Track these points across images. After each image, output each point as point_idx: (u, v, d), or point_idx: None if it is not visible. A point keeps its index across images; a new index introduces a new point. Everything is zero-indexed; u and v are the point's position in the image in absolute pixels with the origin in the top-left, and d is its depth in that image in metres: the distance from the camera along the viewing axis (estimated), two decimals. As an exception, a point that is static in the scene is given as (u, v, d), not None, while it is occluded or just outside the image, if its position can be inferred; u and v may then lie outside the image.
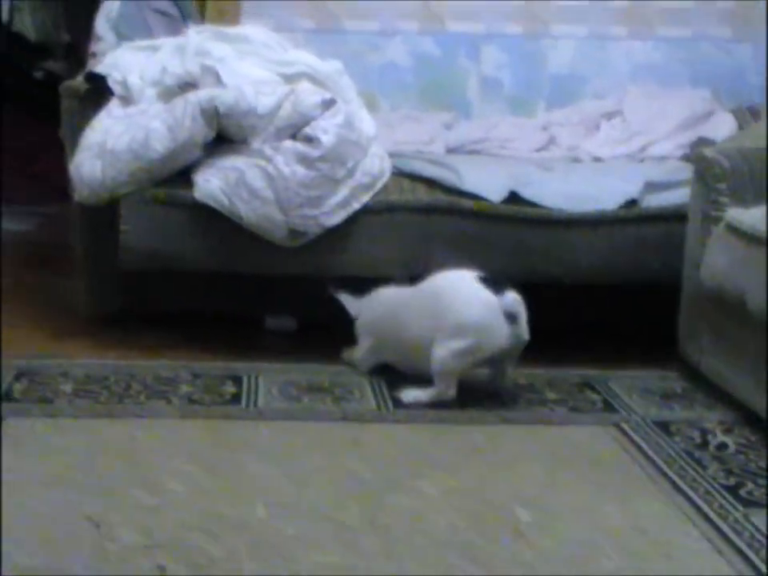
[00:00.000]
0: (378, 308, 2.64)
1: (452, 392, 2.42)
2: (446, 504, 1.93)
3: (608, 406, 2.53)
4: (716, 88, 3.83)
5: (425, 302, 2.49)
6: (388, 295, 2.63)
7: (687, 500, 2.00)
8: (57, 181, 5.09)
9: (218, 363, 2.71)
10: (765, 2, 3.90)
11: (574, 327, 2.94)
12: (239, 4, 3.92)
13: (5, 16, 6.05)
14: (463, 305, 2.40)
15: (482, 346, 2.39)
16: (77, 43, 6.88)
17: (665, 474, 2.12)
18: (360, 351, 2.67)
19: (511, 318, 2.37)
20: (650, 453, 2.23)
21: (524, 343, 2.43)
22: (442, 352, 2.40)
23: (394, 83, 3.99)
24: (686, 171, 2.88)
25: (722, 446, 2.29)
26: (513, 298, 2.38)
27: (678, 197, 2.82)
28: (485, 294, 2.39)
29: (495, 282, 2.41)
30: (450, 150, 3.41)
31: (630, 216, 2.80)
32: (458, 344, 2.39)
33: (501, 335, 2.38)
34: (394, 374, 2.64)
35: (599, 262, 2.79)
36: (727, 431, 2.37)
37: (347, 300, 2.72)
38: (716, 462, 2.20)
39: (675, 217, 2.78)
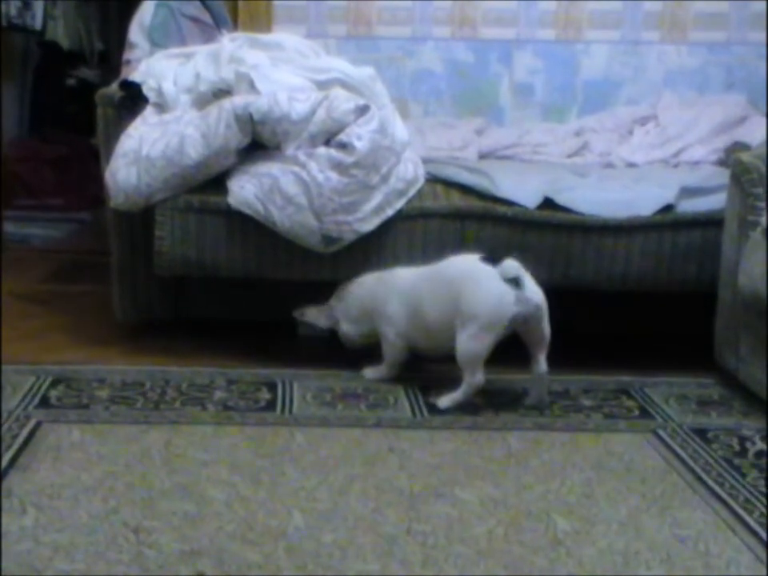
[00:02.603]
0: (396, 290, 2.64)
1: (480, 377, 2.43)
2: (484, 512, 1.91)
3: (644, 413, 2.51)
4: (751, 92, 3.81)
5: (437, 287, 2.52)
6: (405, 276, 2.65)
7: (727, 508, 1.97)
8: (89, 188, 5.15)
9: (252, 369, 2.71)
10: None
11: (609, 333, 2.92)
12: (271, 11, 3.94)
13: (38, 24, 6.10)
14: (468, 287, 2.42)
15: (494, 319, 2.38)
16: (109, 51, 6.94)
17: (703, 482, 2.09)
18: (390, 338, 2.65)
19: (514, 282, 2.37)
20: (688, 460, 2.21)
21: (537, 308, 2.40)
22: (462, 341, 2.41)
23: (426, 89, 4.01)
24: (722, 176, 2.85)
25: (761, 454, 2.26)
26: (509, 264, 2.38)
27: (713, 202, 2.78)
28: (482, 268, 2.41)
29: (494, 257, 2.43)
30: (483, 156, 3.41)
31: (666, 222, 2.77)
32: (472, 327, 2.40)
33: (508, 302, 2.37)
34: (427, 379, 2.63)
35: (635, 268, 2.77)
36: (765, 438, 2.34)
37: (313, 314, 2.77)
38: (755, 469, 2.17)
39: (711, 222, 2.75)
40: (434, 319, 2.52)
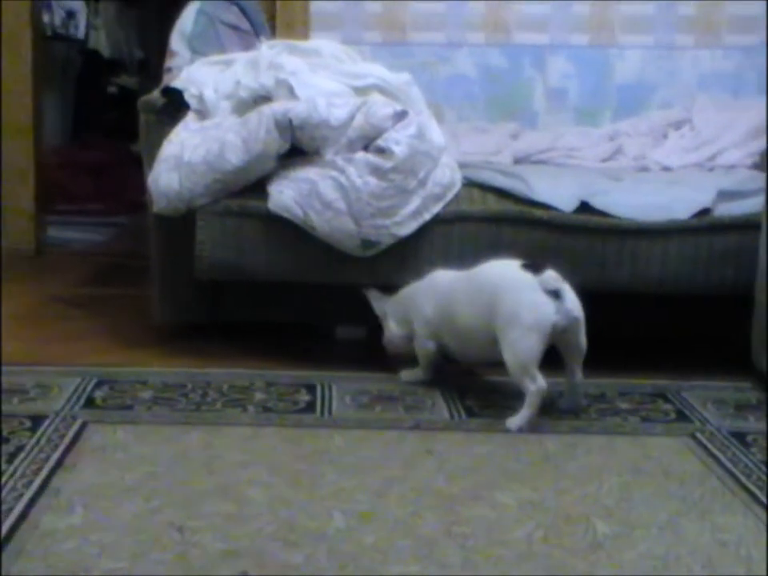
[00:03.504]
0: (433, 292, 2.60)
1: (541, 382, 2.32)
2: (523, 514, 1.89)
3: (682, 417, 2.48)
4: (786, 95, 3.78)
5: (475, 293, 2.46)
6: (443, 279, 2.60)
7: (767, 512, 1.94)
8: (127, 193, 5.18)
9: (290, 372, 2.71)
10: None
11: (645, 337, 2.89)
12: (308, 18, 3.95)
13: (81, 34, 6.20)
14: (507, 295, 2.36)
15: (534, 325, 2.31)
16: (148, 59, 6.99)
17: (743, 486, 2.06)
18: (422, 343, 2.62)
19: (554, 294, 2.31)
20: (728, 464, 2.18)
21: (576, 321, 2.35)
22: (507, 349, 2.35)
23: (461, 94, 4.01)
24: (758, 180, 2.83)
25: (800, 458, 2.23)
26: (550, 275, 2.32)
27: (751, 206, 2.76)
28: (522, 277, 2.35)
29: (536, 265, 2.37)
30: (517, 160, 3.40)
31: (702, 225, 2.75)
32: (514, 334, 2.33)
33: (548, 311, 2.30)
34: (464, 382, 2.62)
35: (671, 271, 2.75)
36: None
37: (374, 297, 2.72)
38: (794, 473, 2.15)
39: (749, 226, 2.72)
40: (467, 323, 2.48)
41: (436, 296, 2.59)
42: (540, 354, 2.34)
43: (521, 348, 2.34)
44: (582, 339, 2.40)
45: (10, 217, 4.16)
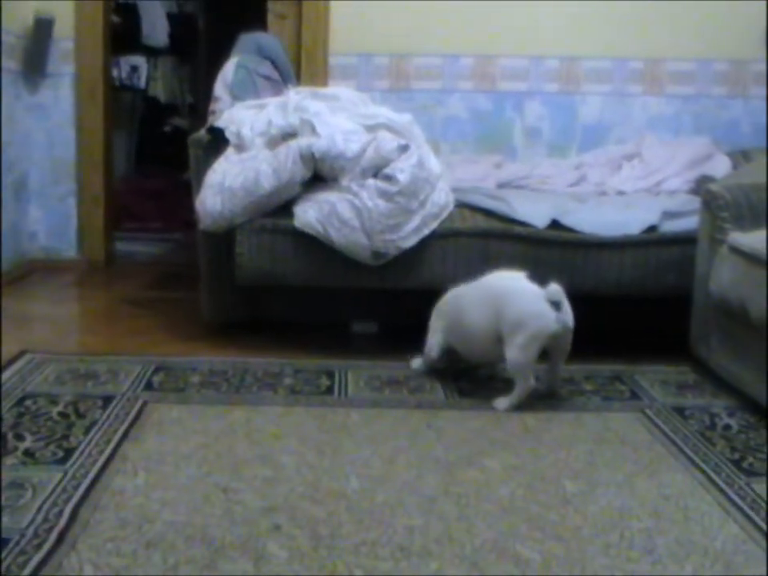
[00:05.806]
0: (439, 306, 2.55)
1: (531, 382, 2.31)
2: (507, 477, 1.90)
3: (634, 396, 2.48)
4: (714, 135, 3.81)
5: (483, 299, 2.39)
6: (449, 294, 2.54)
7: (701, 472, 1.96)
8: (180, 214, 5.18)
9: (314, 361, 2.70)
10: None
11: (606, 331, 2.88)
12: (328, 69, 3.95)
13: (143, 84, 6.24)
14: (516, 302, 2.30)
15: (538, 332, 2.27)
16: (197, 103, 6.98)
17: (682, 451, 2.07)
18: (430, 341, 2.56)
19: (555, 305, 2.27)
20: (670, 433, 2.19)
21: (570, 330, 2.31)
22: (512, 352, 2.30)
23: (454, 132, 4.02)
24: (695, 202, 2.82)
25: (727, 427, 2.24)
26: (554, 288, 2.28)
27: (689, 224, 2.76)
28: (531, 287, 2.31)
29: (540, 278, 2.33)
30: (500, 186, 3.38)
31: (651, 239, 2.75)
32: (520, 338, 2.27)
33: (550, 320, 2.26)
34: (456, 370, 2.60)
35: (626, 277, 2.74)
36: (731, 415, 2.33)
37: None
38: (723, 440, 2.15)
39: (687, 240, 2.72)
40: (474, 326, 2.40)
41: (442, 310, 2.53)
42: (537, 356, 2.32)
43: (522, 354, 2.29)
44: (569, 343, 2.36)
45: (86, 233, 4.16)
